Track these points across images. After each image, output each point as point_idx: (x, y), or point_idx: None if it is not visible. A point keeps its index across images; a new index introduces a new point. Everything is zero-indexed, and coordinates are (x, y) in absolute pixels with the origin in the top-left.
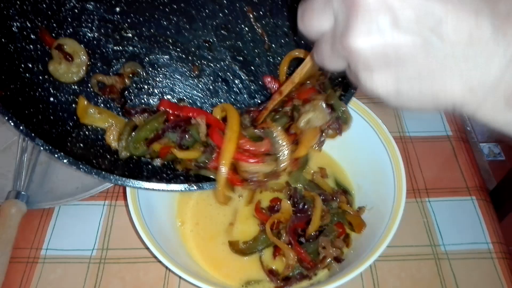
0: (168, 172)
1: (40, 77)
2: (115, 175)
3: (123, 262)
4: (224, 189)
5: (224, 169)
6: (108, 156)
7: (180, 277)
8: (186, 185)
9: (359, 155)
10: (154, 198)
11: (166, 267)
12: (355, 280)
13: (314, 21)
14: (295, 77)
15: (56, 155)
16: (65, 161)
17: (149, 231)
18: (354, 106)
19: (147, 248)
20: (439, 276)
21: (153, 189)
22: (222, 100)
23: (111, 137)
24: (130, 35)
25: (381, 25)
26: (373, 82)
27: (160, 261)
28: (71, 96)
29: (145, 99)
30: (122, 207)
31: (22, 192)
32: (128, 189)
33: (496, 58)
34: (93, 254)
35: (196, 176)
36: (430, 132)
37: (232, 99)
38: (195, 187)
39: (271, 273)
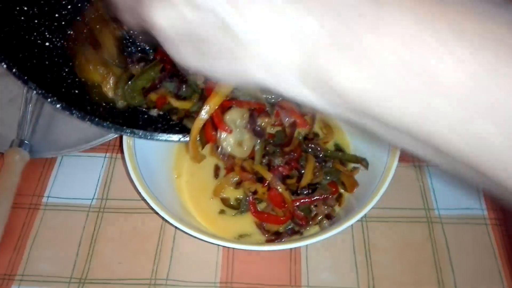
0: (164, 123)
1: (36, 21)
2: (108, 122)
3: (121, 212)
4: (195, 139)
5: (202, 115)
6: (104, 104)
7: (176, 228)
8: (180, 136)
9: None
10: (151, 150)
11: (162, 218)
12: (346, 239)
13: None
14: None
15: (49, 99)
16: (58, 106)
17: (145, 183)
18: None
19: (143, 200)
20: (430, 239)
21: (149, 138)
22: None
23: (108, 86)
24: None
25: (177, 2)
26: (179, 54)
27: (156, 212)
28: (68, 42)
29: (142, 47)
30: (122, 160)
31: (26, 141)
32: (124, 141)
33: (285, 38)
34: (92, 203)
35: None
36: None
37: None
38: (188, 138)
39: (262, 226)
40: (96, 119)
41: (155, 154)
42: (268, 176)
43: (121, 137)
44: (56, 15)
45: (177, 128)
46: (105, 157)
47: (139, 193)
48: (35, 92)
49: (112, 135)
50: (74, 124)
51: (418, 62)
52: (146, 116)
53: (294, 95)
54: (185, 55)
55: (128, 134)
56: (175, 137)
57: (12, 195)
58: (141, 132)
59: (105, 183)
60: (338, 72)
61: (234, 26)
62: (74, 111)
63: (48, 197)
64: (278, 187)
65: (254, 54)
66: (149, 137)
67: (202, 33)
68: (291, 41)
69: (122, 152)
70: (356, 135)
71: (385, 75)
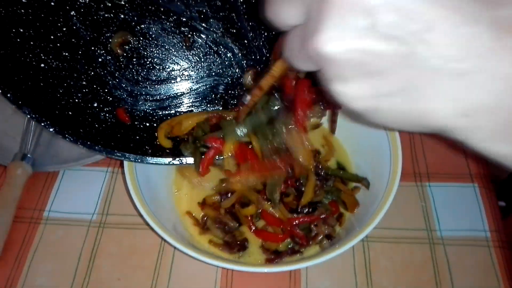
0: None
1: (31, 43)
2: (100, 146)
3: (121, 228)
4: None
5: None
6: (96, 125)
7: (174, 248)
8: (170, 158)
9: (360, 134)
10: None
11: (161, 237)
12: (346, 259)
13: (281, 12)
14: (275, 70)
15: (43, 124)
16: (51, 130)
17: (145, 201)
18: None
19: (143, 219)
20: (432, 261)
21: (139, 161)
22: (213, 73)
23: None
24: (122, 2)
25: (357, 28)
26: (346, 94)
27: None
28: (62, 63)
29: (136, 69)
30: (123, 174)
31: (28, 155)
32: None
33: (495, 77)
34: (93, 218)
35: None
36: None
37: (223, 72)
38: (178, 161)
39: (262, 245)
40: (88, 143)
41: (155, 169)
42: (254, 197)
43: None
44: (52, 36)
45: (167, 151)
46: (107, 171)
47: (139, 213)
48: (28, 116)
49: None
50: None
51: None
52: (137, 137)
53: (484, 149)
54: (354, 92)
55: (119, 157)
56: (165, 160)
57: (13, 209)
58: (131, 156)
59: (106, 198)
60: None
61: (426, 56)
62: (67, 135)
63: (49, 211)
64: (270, 208)
65: (447, 92)
66: (139, 160)
67: (382, 64)
68: (502, 78)
69: (123, 166)
70: (357, 154)
71: None
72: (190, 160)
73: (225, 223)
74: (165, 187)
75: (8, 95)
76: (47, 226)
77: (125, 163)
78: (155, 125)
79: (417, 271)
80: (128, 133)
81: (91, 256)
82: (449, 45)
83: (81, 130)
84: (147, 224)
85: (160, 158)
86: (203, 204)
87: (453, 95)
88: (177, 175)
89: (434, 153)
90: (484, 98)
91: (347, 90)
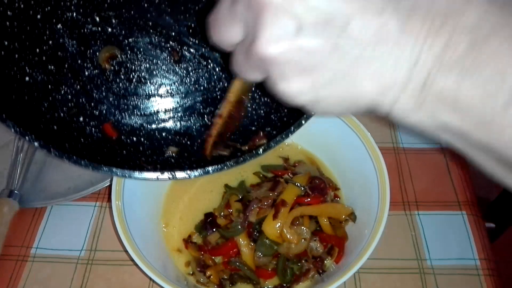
0: (143, 159)
1: (16, 55)
2: (85, 160)
3: (110, 264)
4: None
5: None
6: (82, 140)
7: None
8: (158, 173)
9: (347, 167)
10: (139, 200)
11: (149, 277)
12: None
13: (224, 33)
14: (230, 96)
15: (27, 138)
16: (35, 143)
17: (132, 239)
18: (344, 117)
19: (130, 257)
20: None
21: (127, 176)
22: (201, 88)
23: None
24: (110, 16)
25: (289, 31)
26: (290, 91)
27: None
28: (48, 77)
29: (123, 83)
30: (111, 209)
31: (15, 191)
32: (113, 195)
33: (403, 56)
34: (81, 254)
35: (170, 166)
36: (424, 144)
37: (212, 86)
38: (167, 176)
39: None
40: (74, 157)
41: (144, 204)
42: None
43: (111, 187)
44: (37, 50)
45: (158, 166)
46: (95, 206)
47: (127, 254)
48: (13, 130)
49: (102, 184)
50: (65, 173)
51: None
52: (124, 152)
53: (405, 119)
54: (296, 88)
55: (106, 172)
56: (153, 175)
57: (0, 247)
58: (118, 171)
59: (95, 233)
60: (463, 91)
61: (348, 47)
62: (52, 149)
63: (36, 248)
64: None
65: (369, 74)
66: (127, 176)
67: (315, 59)
68: (406, 59)
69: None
70: (345, 185)
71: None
72: (180, 174)
73: (207, 266)
74: (153, 223)
75: None
76: (35, 264)
77: (113, 201)
78: (142, 139)
79: None
80: (115, 148)
81: None
82: (363, 35)
83: (67, 145)
84: (134, 263)
85: (148, 173)
86: (187, 241)
87: (373, 76)
88: (165, 209)
89: (422, 181)
90: (397, 76)
91: (290, 87)
